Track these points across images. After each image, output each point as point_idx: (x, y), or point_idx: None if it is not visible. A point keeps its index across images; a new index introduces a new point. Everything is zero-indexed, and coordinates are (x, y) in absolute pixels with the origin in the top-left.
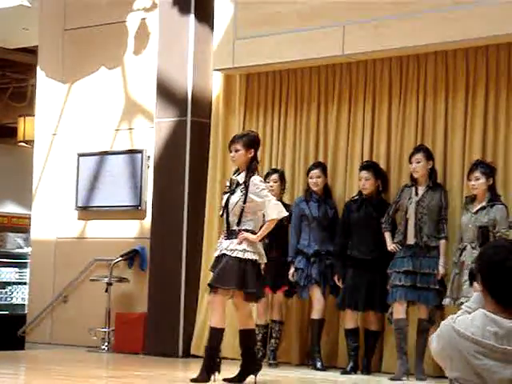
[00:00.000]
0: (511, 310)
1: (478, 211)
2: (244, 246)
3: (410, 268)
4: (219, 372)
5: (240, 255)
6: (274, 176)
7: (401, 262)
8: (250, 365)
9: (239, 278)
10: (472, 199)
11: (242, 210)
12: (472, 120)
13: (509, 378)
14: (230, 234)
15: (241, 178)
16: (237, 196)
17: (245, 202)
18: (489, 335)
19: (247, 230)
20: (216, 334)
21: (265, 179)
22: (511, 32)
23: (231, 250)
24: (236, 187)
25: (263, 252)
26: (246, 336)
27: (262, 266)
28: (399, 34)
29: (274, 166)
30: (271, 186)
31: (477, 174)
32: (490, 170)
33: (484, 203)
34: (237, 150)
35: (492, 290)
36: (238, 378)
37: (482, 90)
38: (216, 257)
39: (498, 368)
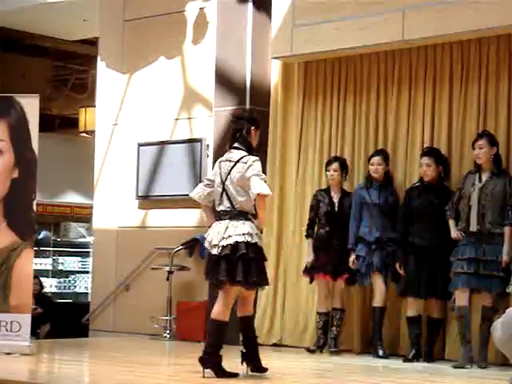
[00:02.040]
0: None
1: None
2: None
3: (472, 255)
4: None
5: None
6: (335, 165)
7: (464, 249)
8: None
9: None
10: None
11: None
12: None
13: None
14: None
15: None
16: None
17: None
18: None
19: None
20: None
21: (326, 168)
22: None
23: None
24: None
25: None
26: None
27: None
28: (460, 19)
29: (333, 153)
30: (331, 175)
31: None
32: None
33: None
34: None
35: None
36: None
37: None
38: None
39: None
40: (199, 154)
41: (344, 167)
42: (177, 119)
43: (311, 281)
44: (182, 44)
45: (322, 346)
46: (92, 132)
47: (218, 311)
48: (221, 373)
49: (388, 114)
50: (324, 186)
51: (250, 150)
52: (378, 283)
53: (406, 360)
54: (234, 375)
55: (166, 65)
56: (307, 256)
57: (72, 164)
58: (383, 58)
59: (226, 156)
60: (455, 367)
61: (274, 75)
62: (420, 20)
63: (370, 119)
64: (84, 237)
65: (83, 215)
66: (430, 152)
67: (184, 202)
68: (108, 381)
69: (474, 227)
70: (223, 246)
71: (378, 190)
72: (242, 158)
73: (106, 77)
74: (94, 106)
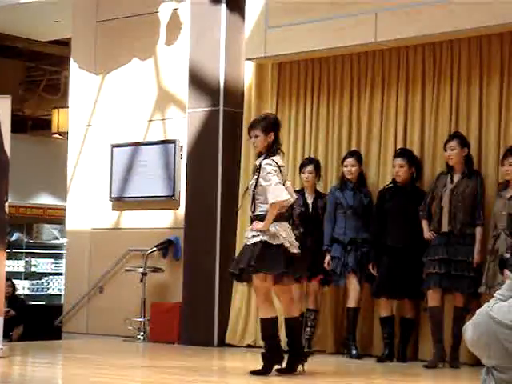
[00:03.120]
0: None
1: (511, 197)
2: (253, 232)
3: (444, 256)
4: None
5: (250, 242)
6: (310, 167)
7: (435, 249)
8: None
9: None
10: (505, 186)
11: (254, 195)
12: (507, 105)
13: None
14: (250, 221)
15: (258, 162)
16: (252, 181)
17: (255, 187)
18: None
19: (259, 216)
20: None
21: (300, 170)
22: None
23: (246, 238)
24: (254, 172)
25: (280, 233)
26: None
27: (286, 246)
28: (432, 20)
29: (306, 155)
30: (306, 178)
31: (511, 159)
32: None
33: None
34: (256, 136)
35: None
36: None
37: None
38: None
39: None
40: (173, 155)
41: (318, 169)
42: (150, 120)
43: None
44: (156, 45)
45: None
46: (65, 133)
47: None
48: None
49: (361, 115)
50: (298, 188)
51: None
52: (353, 284)
53: (380, 360)
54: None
55: (139, 66)
56: None
57: (45, 165)
58: (356, 60)
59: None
60: (427, 367)
61: (247, 76)
62: (392, 22)
63: (343, 120)
64: (57, 238)
65: (56, 217)
66: (403, 153)
67: (158, 203)
68: (81, 383)
69: (445, 228)
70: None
71: (352, 191)
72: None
73: (78, 78)
74: (67, 107)
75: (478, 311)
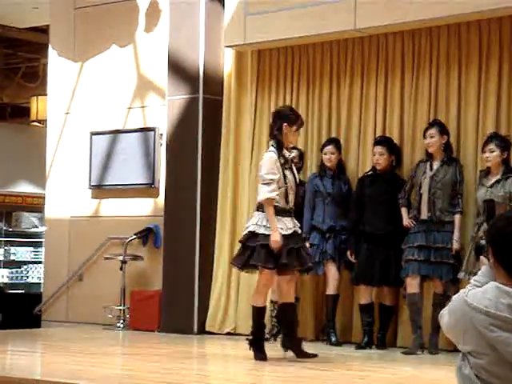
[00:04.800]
0: None
1: (493, 185)
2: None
3: (423, 243)
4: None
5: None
6: (294, 153)
7: (414, 236)
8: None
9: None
10: (486, 173)
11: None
12: (485, 93)
13: None
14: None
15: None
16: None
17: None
18: (502, 307)
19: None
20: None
21: None
22: None
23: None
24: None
25: (285, 224)
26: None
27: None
28: (411, 8)
29: None
30: None
31: (491, 146)
32: (504, 143)
33: (499, 176)
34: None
35: (504, 261)
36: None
37: (495, 62)
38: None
39: None
40: (152, 143)
41: (301, 158)
42: (130, 108)
43: None
44: (135, 32)
45: (275, 334)
46: (44, 121)
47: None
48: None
49: (341, 103)
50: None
51: (281, 147)
52: (332, 271)
53: (359, 347)
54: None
55: (118, 53)
56: None
57: (24, 153)
58: (336, 47)
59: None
60: (405, 353)
61: (227, 64)
62: (371, 9)
63: (322, 108)
64: (36, 227)
65: (35, 205)
66: (383, 141)
67: (137, 191)
68: (61, 371)
69: (424, 215)
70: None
71: (331, 179)
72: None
73: (57, 65)
74: (46, 95)
75: (454, 297)
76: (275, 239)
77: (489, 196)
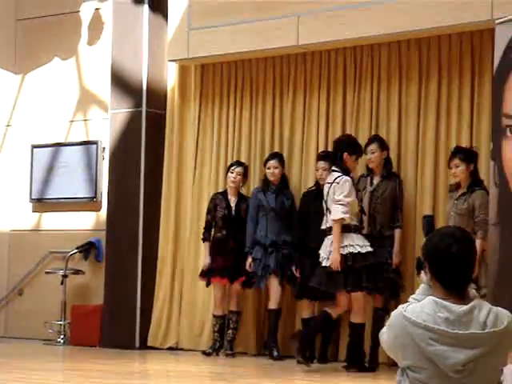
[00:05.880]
0: (459, 295)
1: (458, 198)
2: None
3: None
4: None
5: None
6: (239, 169)
7: None
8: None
9: None
10: (457, 187)
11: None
12: (425, 109)
13: (462, 362)
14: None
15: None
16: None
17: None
18: (440, 321)
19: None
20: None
21: (228, 170)
22: (461, 22)
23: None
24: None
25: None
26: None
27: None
28: (353, 25)
29: (229, 157)
30: (234, 178)
31: (456, 161)
32: (470, 156)
33: (465, 189)
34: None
35: (439, 276)
36: None
37: (434, 79)
38: None
39: (451, 353)
40: (95, 157)
41: (246, 173)
42: (72, 121)
43: (208, 284)
44: (77, 45)
45: (218, 348)
46: None
47: None
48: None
49: (284, 118)
50: (220, 190)
51: (346, 172)
52: (274, 286)
53: (301, 361)
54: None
55: (60, 66)
56: (204, 259)
57: None
58: (279, 63)
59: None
60: (345, 367)
61: (170, 78)
62: (314, 26)
63: (265, 123)
64: None
65: None
66: (326, 156)
67: (79, 204)
68: None
69: (365, 229)
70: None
71: (274, 193)
72: (336, 178)
73: None
74: None
75: (392, 314)
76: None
77: (454, 209)
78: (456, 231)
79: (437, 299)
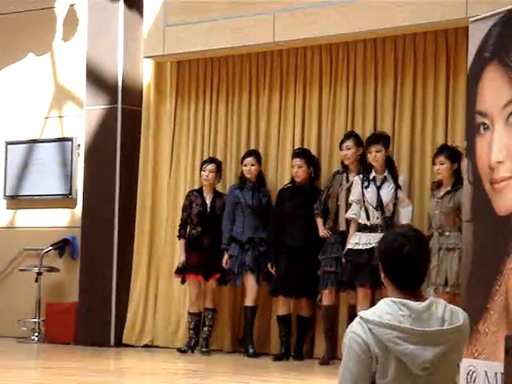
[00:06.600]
0: (412, 295)
1: (443, 196)
2: None
3: (340, 254)
4: None
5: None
6: (211, 166)
7: (331, 248)
8: None
9: None
10: (438, 185)
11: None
12: (401, 106)
13: (429, 359)
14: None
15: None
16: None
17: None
18: (403, 319)
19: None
20: None
21: (201, 168)
22: (436, 20)
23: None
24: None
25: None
26: None
27: None
28: (329, 22)
29: (205, 154)
30: (206, 176)
31: (441, 158)
32: (455, 155)
33: (449, 188)
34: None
35: (393, 276)
36: None
37: (410, 76)
38: None
39: (419, 351)
40: (70, 153)
41: (219, 169)
42: (47, 117)
43: (183, 281)
44: (52, 41)
45: (193, 346)
46: None
47: None
48: None
49: (259, 115)
50: (196, 187)
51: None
52: (250, 283)
53: (276, 358)
54: None
55: (35, 62)
56: (179, 256)
57: None
58: (255, 60)
59: None
60: (320, 364)
61: (146, 74)
62: (290, 23)
63: (242, 120)
64: None
65: None
66: (302, 153)
67: (54, 201)
68: None
69: (342, 226)
70: None
71: (251, 190)
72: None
73: None
74: None
75: (344, 341)
76: None
77: (439, 208)
78: (408, 231)
79: (394, 299)
